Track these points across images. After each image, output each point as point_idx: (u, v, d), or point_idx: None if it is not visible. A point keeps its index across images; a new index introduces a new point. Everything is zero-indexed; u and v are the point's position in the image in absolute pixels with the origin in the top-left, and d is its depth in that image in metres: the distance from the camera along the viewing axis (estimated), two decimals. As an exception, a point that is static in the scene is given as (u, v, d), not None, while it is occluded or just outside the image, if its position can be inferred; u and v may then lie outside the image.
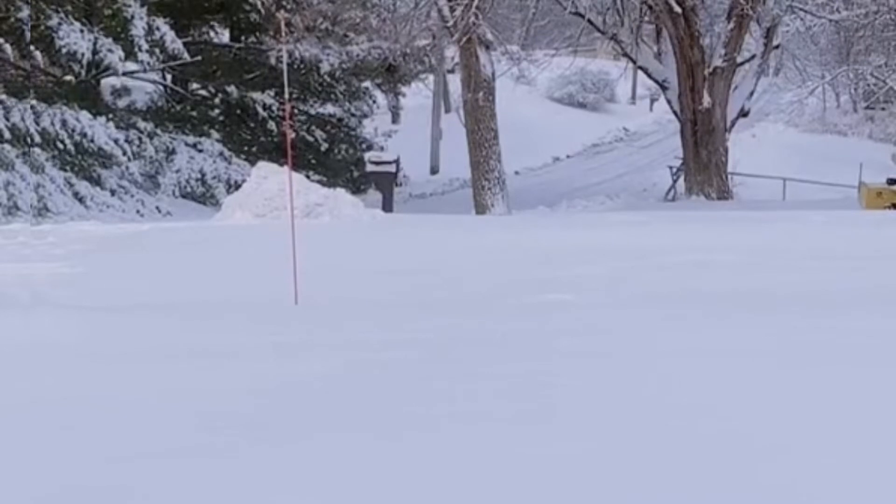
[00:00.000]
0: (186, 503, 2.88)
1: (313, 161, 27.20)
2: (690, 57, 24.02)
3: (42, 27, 22.74)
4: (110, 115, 24.16)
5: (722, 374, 4.19)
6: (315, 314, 5.92)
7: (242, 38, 28.50)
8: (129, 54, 23.75)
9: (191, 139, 25.86)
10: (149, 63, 24.00)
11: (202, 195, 24.92)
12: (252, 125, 28.01)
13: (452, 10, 19.59)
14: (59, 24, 22.70)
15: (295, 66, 26.01)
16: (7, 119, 21.44)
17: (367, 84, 29.61)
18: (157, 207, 23.16)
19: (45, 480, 3.04)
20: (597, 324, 5.50)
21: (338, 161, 28.79)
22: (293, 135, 25.05)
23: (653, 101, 48.69)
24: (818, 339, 4.86)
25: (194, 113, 27.79)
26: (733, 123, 25.34)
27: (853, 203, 19.26)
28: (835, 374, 4.17)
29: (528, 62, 31.00)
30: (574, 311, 5.91)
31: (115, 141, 22.98)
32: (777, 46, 27.67)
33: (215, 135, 26.71)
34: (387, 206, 20.50)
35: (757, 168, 32.11)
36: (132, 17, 23.38)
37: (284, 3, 26.29)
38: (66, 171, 22.08)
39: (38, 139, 21.73)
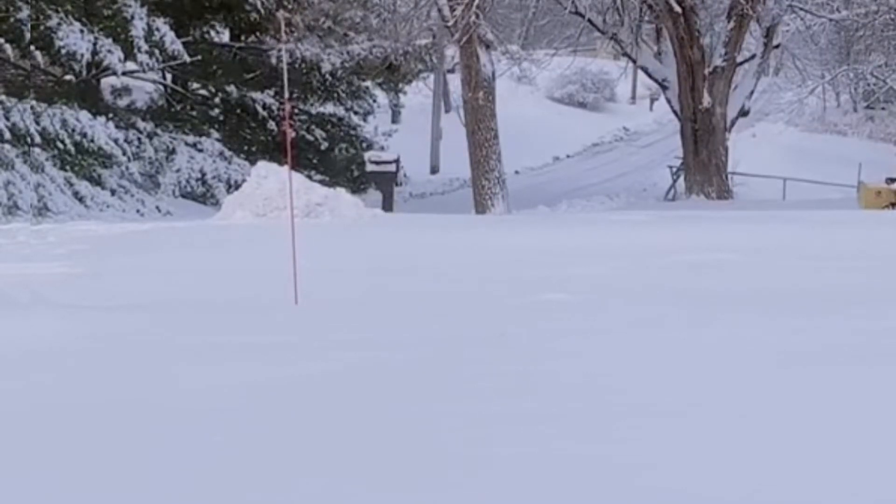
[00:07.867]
0: (185, 502, 2.88)
1: (314, 160, 27.21)
2: (690, 56, 24.01)
3: (42, 27, 22.72)
4: (110, 115, 24.16)
5: (722, 374, 4.19)
6: (315, 314, 5.92)
7: (243, 37, 28.49)
8: (129, 54, 23.74)
9: (191, 139, 25.88)
10: (148, 63, 23.99)
11: (202, 195, 24.94)
12: (252, 125, 28.01)
13: (452, 9, 19.59)
14: (59, 24, 22.67)
15: (296, 66, 26.01)
16: (7, 119, 21.43)
17: (367, 83, 29.60)
18: (157, 207, 23.17)
19: (44, 480, 3.05)
20: (596, 323, 5.50)
21: (338, 160, 28.80)
22: (293, 134, 25.05)
23: (653, 100, 48.74)
24: (818, 339, 4.86)
25: (194, 113, 27.78)
26: (733, 123, 25.33)
27: (853, 203, 19.27)
28: (835, 374, 4.17)
29: (528, 62, 31.02)
30: (573, 311, 5.91)
31: (115, 141, 22.99)
32: (777, 46, 27.68)
33: (215, 135, 26.72)
34: (387, 206, 20.51)
35: (757, 168, 32.12)
36: (132, 17, 23.38)
37: (285, 2, 26.28)
38: (66, 170, 22.08)
39: (38, 139, 21.72)
